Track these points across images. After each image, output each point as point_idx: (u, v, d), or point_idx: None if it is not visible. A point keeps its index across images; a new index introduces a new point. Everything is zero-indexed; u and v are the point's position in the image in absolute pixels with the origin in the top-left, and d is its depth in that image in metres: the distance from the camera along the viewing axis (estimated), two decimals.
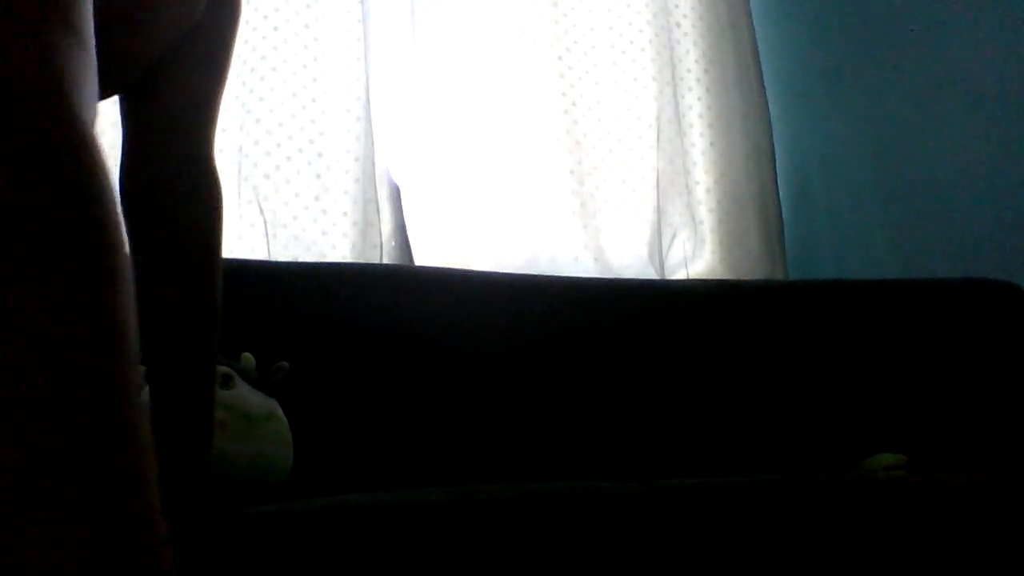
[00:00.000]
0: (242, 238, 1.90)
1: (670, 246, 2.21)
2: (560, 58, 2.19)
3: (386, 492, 1.06)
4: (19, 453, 0.43)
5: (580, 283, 1.88)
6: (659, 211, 2.19)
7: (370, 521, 0.98)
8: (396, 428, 1.63)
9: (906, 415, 1.87)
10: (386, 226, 2.01)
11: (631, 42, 2.26)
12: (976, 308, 1.98)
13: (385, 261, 1.97)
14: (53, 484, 0.43)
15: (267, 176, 1.93)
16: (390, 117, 2.08)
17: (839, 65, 2.38)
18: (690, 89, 2.29)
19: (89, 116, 0.53)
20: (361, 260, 1.94)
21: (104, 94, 0.96)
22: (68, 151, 0.49)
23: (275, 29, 1.98)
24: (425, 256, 2.02)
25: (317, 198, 1.94)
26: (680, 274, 2.20)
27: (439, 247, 2.05)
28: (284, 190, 1.93)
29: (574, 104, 2.17)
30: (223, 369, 1.28)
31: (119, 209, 0.52)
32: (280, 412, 1.32)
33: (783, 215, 2.31)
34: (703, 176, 2.24)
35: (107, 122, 1.86)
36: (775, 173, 2.32)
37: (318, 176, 1.95)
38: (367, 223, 1.97)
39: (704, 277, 2.19)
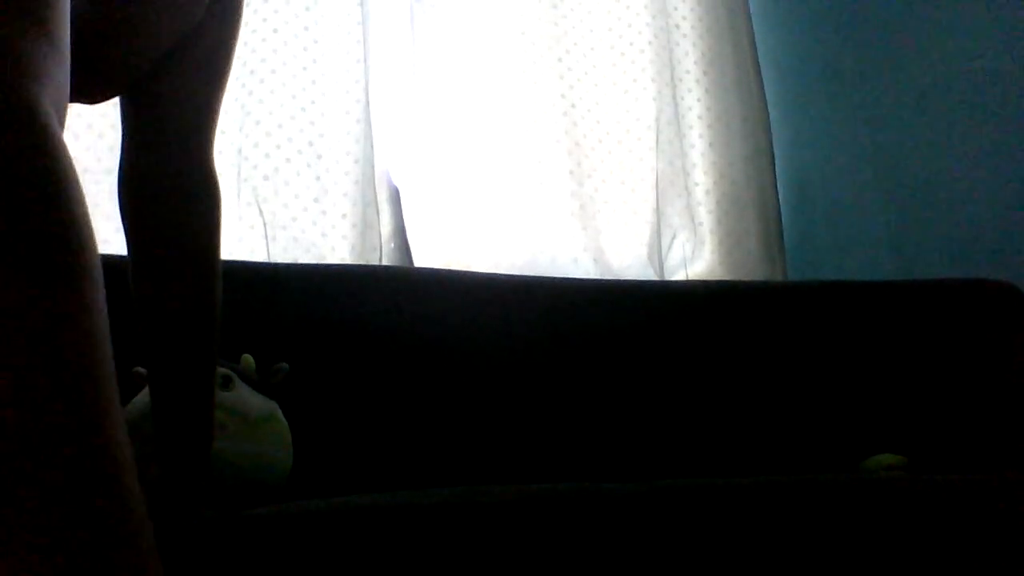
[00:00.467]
0: (242, 240, 1.90)
1: (669, 247, 2.21)
2: (559, 60, 2.19)
3: (386, 493, 1.06)
4: None
5: (580, 284, 1.88)
6: (658, 212, 2.19)
7: (370, 522, 0.98)
8: (396, 429, 1.63)
9: (906, 416, 1.87)
10: (385, 228, 2.01)
11: (630, 44, 2.26)
12: (976, 309, 1.98)
13: (385, 263, 1.98)
14: (15, 481, 0.42)
15: (267, 178, 1.93)
16: (389, 119, 2.08)
17: (839, 66, 2.38)
18: (689, 90, 2.29)
19: (55, 116, 0.52)
20: (361, 262, 1.94)
21: (104, 95, 0.96)
22: (31, 152, 0.48)
23: (275, 31, 1.98)
24: (425, 258, 2.02)
25: (316, 200, 1.94)
26: (679, 275, 2.20)
27: (439, 249, 2.05)
28: (284, 192, 1.93)
29: (573, 106, 2.18)
30: (223, 371, 1.28)
31: (86, 209, 0.51)
32: (280, 414, 1.32)
33: (782, 216, 2.31)
34: (702, 177, 2.24)
35: (107, 124, 1.86)
36: (774, 174, 2.32)
37: (318, 178, 1.95)
38: (366, 225, 1.97)
39: (703, 278, 2.19)
